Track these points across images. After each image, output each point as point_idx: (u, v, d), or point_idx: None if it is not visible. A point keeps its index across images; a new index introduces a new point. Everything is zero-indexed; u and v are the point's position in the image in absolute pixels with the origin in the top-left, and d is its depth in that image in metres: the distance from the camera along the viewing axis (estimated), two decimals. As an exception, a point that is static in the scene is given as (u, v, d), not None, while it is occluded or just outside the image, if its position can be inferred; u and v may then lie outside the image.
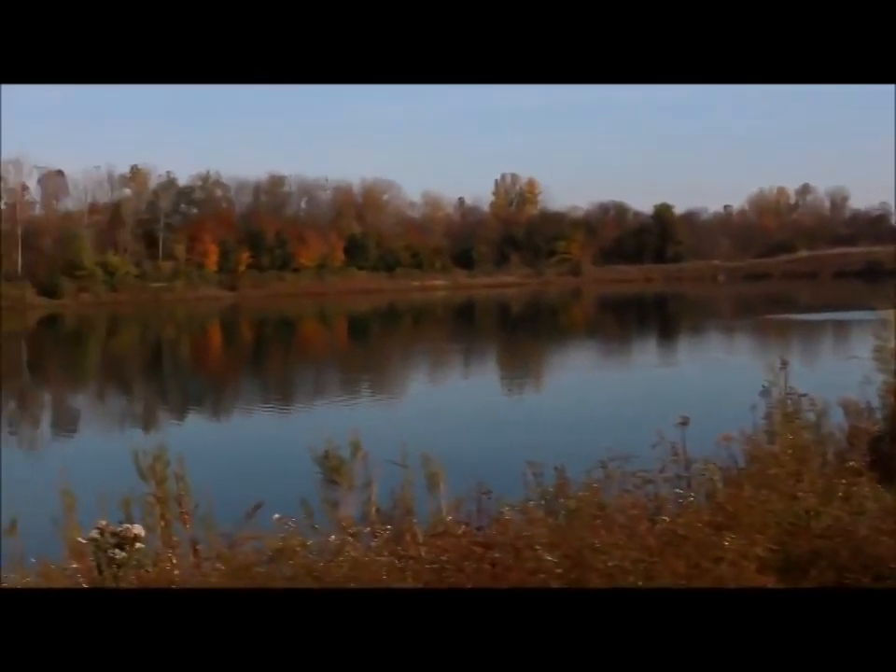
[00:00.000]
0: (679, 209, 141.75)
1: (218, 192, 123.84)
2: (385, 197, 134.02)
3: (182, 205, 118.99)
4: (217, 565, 6.66)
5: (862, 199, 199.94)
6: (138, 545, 6.98)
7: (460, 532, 6.64)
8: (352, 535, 7.00)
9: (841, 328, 47.14)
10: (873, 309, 17.11)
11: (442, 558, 6.12)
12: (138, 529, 7.09)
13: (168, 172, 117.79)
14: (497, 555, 5.94)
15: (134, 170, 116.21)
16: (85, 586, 6.81)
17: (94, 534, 7.02)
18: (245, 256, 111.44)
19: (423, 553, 6.45)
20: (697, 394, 25.07)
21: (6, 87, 44.65)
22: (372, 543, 7.03)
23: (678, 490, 7.80)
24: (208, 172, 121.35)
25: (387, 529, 7.36)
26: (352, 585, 6.07)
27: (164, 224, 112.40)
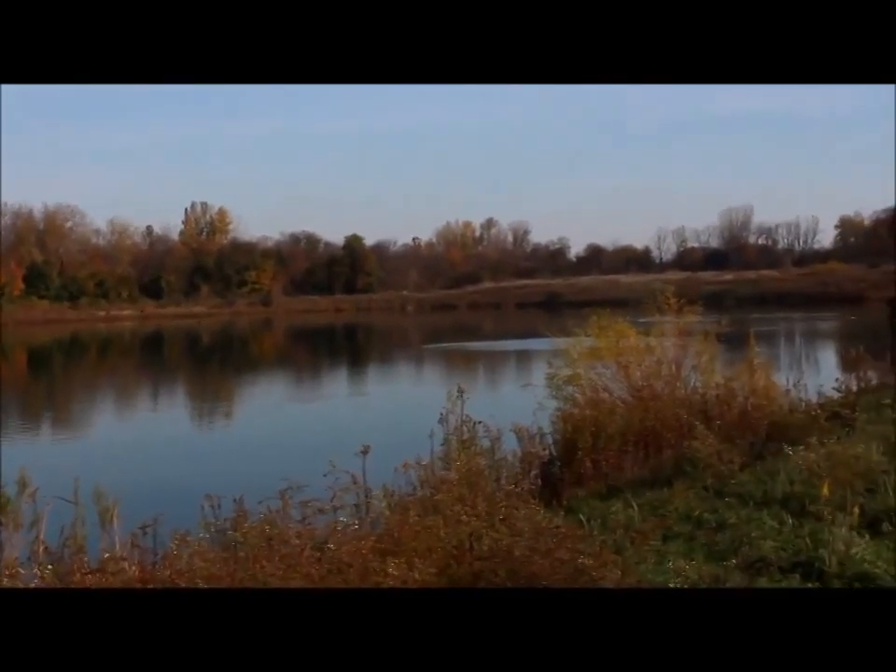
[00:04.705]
0: (369, 241, 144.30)
1: None
2: (69, 224, 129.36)
3: None
4: None
5: (542, 233, 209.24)
6: None
7: (119, 568, 6.48)
8: (12, 575, 6.70)
9: (520, 356, 49.05)
10: (547, 337, 18.00)
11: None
12: None
13: None
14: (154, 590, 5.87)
15: None
16: (86, 587, 6.33)
17: None
18: None
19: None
20: (386, 422, 25.47)
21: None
22: (34, 583, 6.76)
23: (343, 518, 7.88)
24: None
25: (48, 569, 7.09)
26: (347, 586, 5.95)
27: None
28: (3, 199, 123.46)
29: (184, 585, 5.92)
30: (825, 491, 9.43)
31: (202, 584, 5.79)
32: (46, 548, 8.08)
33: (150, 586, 6.02)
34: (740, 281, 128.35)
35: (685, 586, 7.45)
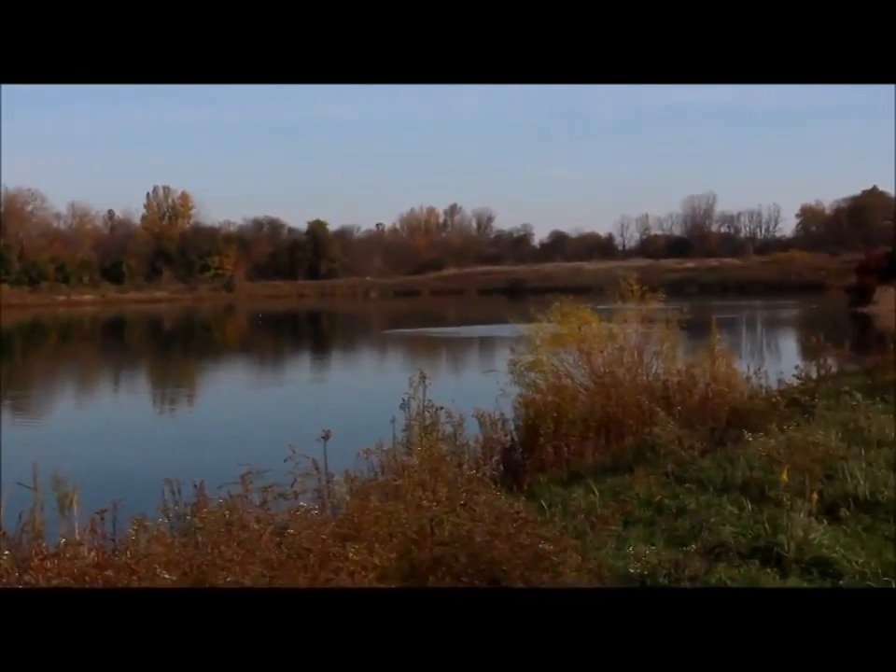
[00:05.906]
0: (332, 226, 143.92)
1: None
2: (29, 207, 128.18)
3: None
4: None
5: (506, 220, 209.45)
6: None
7: (77, 554, 6.44)
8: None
9: (483, 342, 49.09)
10: (511, 324, 18.02)
11: (54, 581, 5.92)
12: None
13: None
14: (110, 575, 5.84)
15: None
16: (85, 586, 6.21)
17: None
18: None
19: (39, 579, 6.21)
20: (349, 407, 25.46)
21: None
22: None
23: (303, 503, 7.86)
24: None
25: (6, 554, 7.03)
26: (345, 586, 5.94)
27: None
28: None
29: (141, 586, 5.90)
30: (784, 477, 9.50)
31: (160, 570, 5.76)
32: (4, 533, 8.02)
33: (149, 587, 5.98)
34: (702, 269, 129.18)
35: (646, 572, 7.51)
